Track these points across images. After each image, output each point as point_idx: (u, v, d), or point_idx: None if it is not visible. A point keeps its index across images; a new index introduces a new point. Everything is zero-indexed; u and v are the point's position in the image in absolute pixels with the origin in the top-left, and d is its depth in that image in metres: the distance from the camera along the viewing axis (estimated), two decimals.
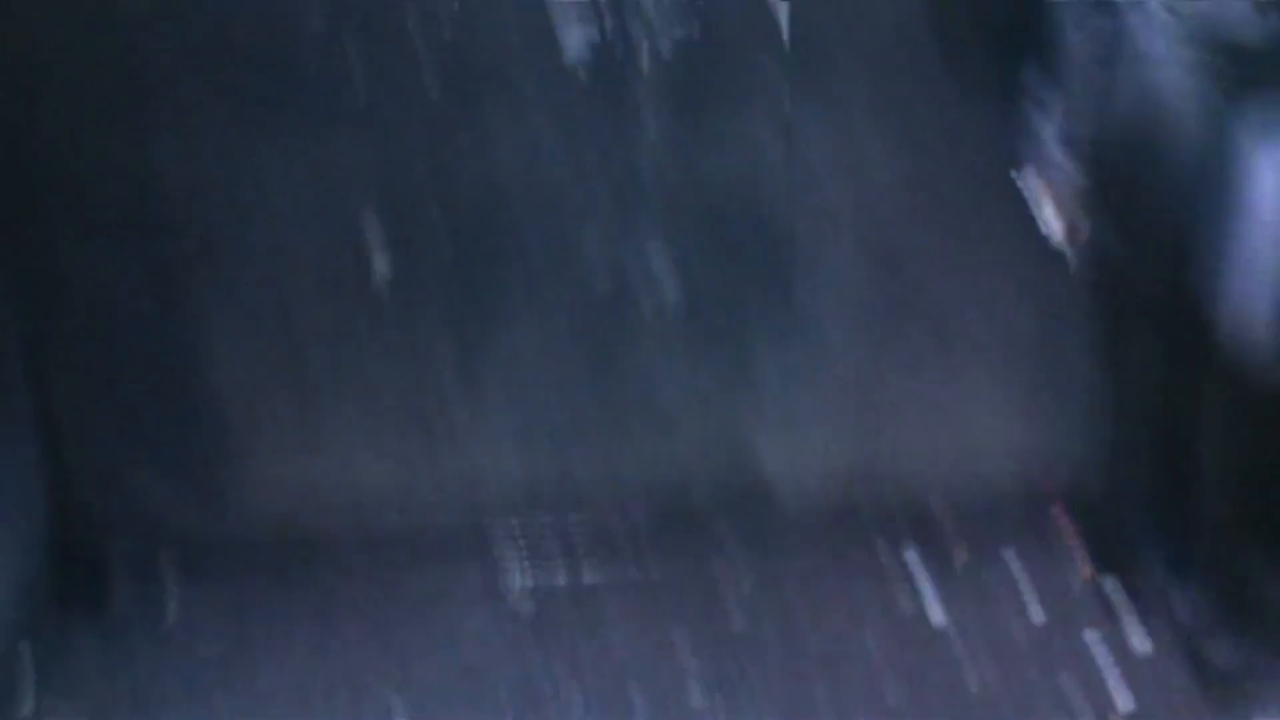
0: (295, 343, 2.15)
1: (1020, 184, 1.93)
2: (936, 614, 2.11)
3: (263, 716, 2.00)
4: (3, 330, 2.06)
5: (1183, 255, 1.64)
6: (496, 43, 2.00)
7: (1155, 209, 1.67)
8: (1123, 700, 1.97)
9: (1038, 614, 2.11)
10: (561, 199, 2.09)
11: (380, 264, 2.11)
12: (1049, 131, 1.84)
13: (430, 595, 2.15)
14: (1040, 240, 1.91)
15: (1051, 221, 1.89)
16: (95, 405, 2.17)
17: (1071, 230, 1.87)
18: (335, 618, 2.13)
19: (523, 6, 1.98)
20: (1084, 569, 2.16)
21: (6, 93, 1.98)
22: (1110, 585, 2.11)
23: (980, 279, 2.14)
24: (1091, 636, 2.06)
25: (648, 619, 2.11)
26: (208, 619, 2.13)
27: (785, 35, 2.00)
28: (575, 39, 1.99)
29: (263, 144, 2.04)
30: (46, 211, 2.07)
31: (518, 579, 2.19)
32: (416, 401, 2.18)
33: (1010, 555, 2.18)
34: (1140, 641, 2.04)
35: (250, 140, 2.04)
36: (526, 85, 2.02)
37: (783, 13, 1.99)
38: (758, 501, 2.23)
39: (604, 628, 2.10)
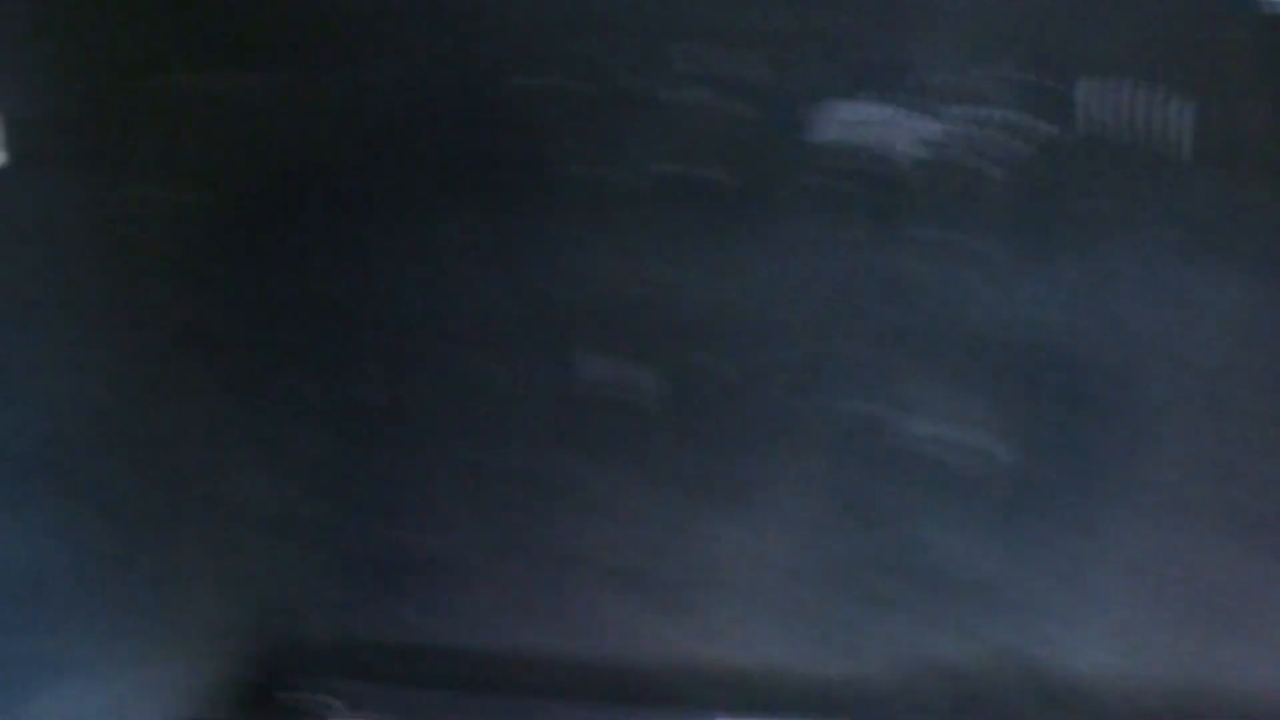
0: (498, 484, 2.13)
1: None
2: None
3: None
4: (188, 463, 2.13)
5: None
6: (775, 143, 1.92)
7: None
8: None
9: None
10: (828, 327, 2.00)
11: (600, 400, 2.06)
12: None
13: None
14: None
15: None
16: (290, 540, 2.19)
17: None
18: None
19: (813, 103, 1.89)
20: None
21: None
22: None
23: None
24: None
25: None
26: None
27: (1157, 150, 1.84)
28: (871, 142, 1.90)
29: (465, 262, 2.03)
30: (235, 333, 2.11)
31: None
32: (635, 559, 2.12)
33: None
34: None
35: (453, 256, 2.03)
36: (794, 197, 1.94)
37: (1167, 122, 1.83)
38: (1059, 708, 2.07)
39: None
